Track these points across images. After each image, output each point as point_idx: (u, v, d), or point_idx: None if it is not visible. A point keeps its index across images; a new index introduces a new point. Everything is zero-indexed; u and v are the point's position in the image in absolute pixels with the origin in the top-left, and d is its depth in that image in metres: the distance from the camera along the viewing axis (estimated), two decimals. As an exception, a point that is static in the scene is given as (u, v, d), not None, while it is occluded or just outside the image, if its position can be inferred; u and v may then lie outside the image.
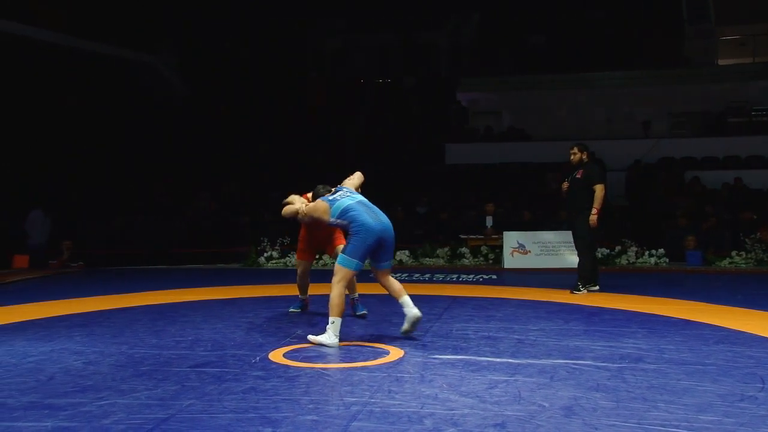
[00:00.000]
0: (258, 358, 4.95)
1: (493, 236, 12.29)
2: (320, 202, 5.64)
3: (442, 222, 13.52)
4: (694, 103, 17.36)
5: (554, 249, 11.62)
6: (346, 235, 5.57)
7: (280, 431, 3.38)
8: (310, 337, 5.37)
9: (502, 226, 12.26)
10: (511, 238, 11.78)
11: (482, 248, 12.33)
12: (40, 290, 9.21)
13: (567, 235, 11.82)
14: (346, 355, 5.05)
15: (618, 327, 6.10)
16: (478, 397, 3.94)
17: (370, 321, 6.48)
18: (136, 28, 16.95)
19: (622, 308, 7.14)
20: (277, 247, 12.28)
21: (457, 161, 16.33)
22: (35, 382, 4.38)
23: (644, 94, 17.39)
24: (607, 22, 18.51)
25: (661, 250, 11.93)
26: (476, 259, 12.26)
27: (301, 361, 4.86)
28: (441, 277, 10.35)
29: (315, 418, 3.58)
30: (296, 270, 6.92)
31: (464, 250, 12.32)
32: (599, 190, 8.05)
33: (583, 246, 8.31)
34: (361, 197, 5.64)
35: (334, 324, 5.25)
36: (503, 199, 14.15)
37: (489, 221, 12.56)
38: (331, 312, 5.26)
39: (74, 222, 13.79)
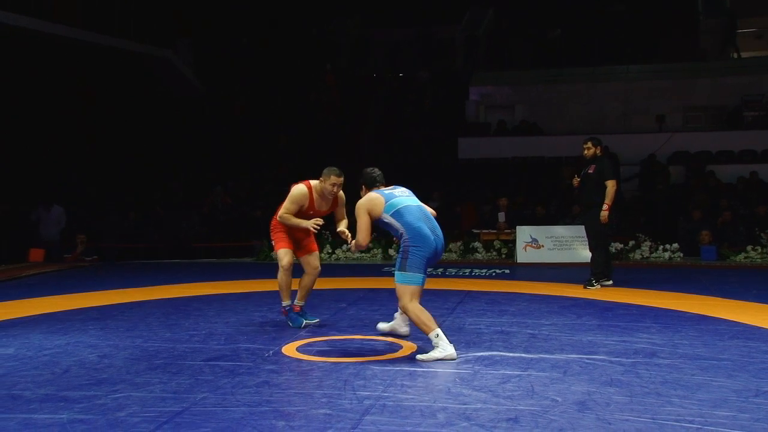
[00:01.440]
0: (271, 351, 4.97)
1: (506, 231, 12.26)
2: (375, 194, 5.00)
3: (456, 216, 13.49)
4: (709, 96, 17.20)
5: (567, 244, 11.57)
6: (397, 240, 5.00)
7: (294, 425, 3.40)
8: (421, 357, 4.71)
9: (515, 221, 12.22)
10: (524, 233, 11.74)
11: (495, 243, 12.30)
12: (55, 284, 9.28)
13: (580, 230, 11.75)
14: (359, 349, 5.06)
15: (632, 322, 6.07)
16: (490, 391, 3.94)
17: (383, 315, 6.47)
18: (152, 23, 16.99)
19: (635, 303, 7.10)
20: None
21: (470, 155, 16.28)
22: (51, 374, 4.42)
23: (659, 87, 17.24)
24: (623, 15, 18.35)
25: (675, 245, 11.85)
26: (489, 254, 12.23)
27: (314, 355, 4.88)
28: (453, 271, 10.34)
29: (328, 411, 3.59)
30: (279, 264, 5.75)
31: (477, 244, 12.29)
32: (611, 185, 8.00)
33: (595, 241, 8.26)
34: (421, 204, 5.06)
35: (438, 335, 4.69)
36: (516, 194, 14.10)
37: (501, 216, 12.52)
38: (427, 330, 4.72)
39: (89, 216, 13.87)
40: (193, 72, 18.45)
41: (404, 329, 5.44)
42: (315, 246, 5.98)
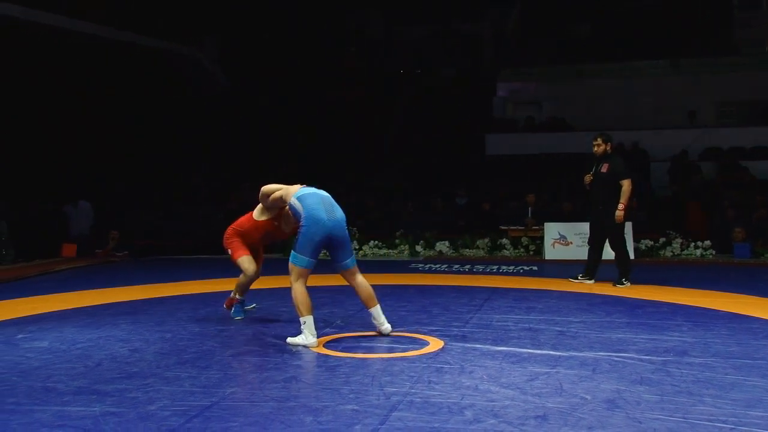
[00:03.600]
0: (299, 347, 4.99)
1: (534, 227, 12.18)
2: (294, 185, 5.47)
3: (483, 213, 13.44)
4: (742, 91, 16.89)
5: (596, 240, 11.45)
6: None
7: (321, 420, 3.41)
8: (289, 340, 5.07)
9: (542, 217, 12.13)
10: (552, 230, 11.65)
11: (523, 239, 12.23)
12: (87, 279, 9.42)
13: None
14: (386, 345, 5.05)
15: (662, 320, 5.98)
16: (518, 388, 3.92)
17: (410, 311, 6.47)
18: (178, 20, 17.12)
19: (666, 301, 7.01)
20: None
21: (498, 152, 16.20)
22: (83, 368, 4.49)
23: (691, 82, 16.97)
24: (654, 9, 18.08)
25: (707, 242, 11.67)
26: (517, 251, 12.16)
27: (341, 350, 4.89)
28: (481, 268, 10.30)
29: (355, 407, 3.59)
30: (244, 273, 6.05)
31: (505, 241, 12.23)
32: (627, 185, 7.87)
33: (617, 240, 8.12)
34: (325, 193, 5.34)
35: (306, 323, 4.96)
36: (544, 190, 13.98)
37: (529, 212, 12.44)
38: (299, 312, 4.99)
39: (120, 212, 14.05)
40: (219, 68, 18.55)
41: (383, 327, 5.30)
42: (262, 256, 6.40)
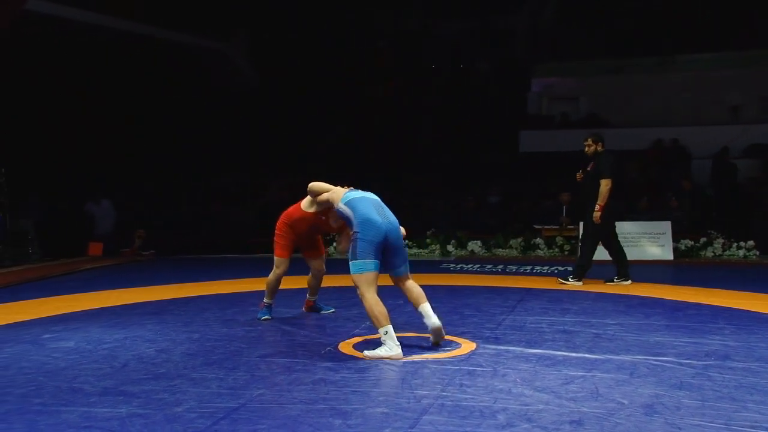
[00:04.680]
0: (327, 348, 4.94)
1: (569, 227, 11.98)
2: (341, 188, 5.32)
3: (516, 211, 13.28)
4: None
5: (633, 240, 11.23)
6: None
7: (351, 423, 3.36)
8: (367, 353, 4.72)
9: (578, 216, 11.92)
10: (587, 229, 11.44)
11: (557, 239, 12.04)
12: (114, 278, 9.51)
13: (647, 226, 11.44)
14: (416, 347, 4.98)
15: (703, 323, 5.80)
16: (553, 392, 3.83)
17: (441, 312, 6.35)
18: (208, 15, 17.22)
19: (707, 303, 6.81)
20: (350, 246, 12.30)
21: (532, 149, 16.00)
22: (110, 368, 4.50)
23: (733, 76, 16.55)
24: (695, 0, 17.66)
25: (751, 242, 11.35)
26: (551, 251, 11.97)
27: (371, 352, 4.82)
28: (514, 268, 10.16)
29: (385, 410, 3.54)
30: (275, 271, 6.04)
31: (538, 240, 12.05)
32: (604, 184, 7.86)
33: (586, 237, 8.23)
34: (374, 196, 5.19)
35: (388, 333, 4.67)
36: (580, 189, 13.74)
37: (564, 211, 12.25)
38: (377, 324, 4.70)
39: (146, 210, 14.15)
40: (249, 65, 18.63)
41: (431, 321, 5.02)
42: (322, 249, 6.31)
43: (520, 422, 3.34)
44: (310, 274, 6.32)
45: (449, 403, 3.64)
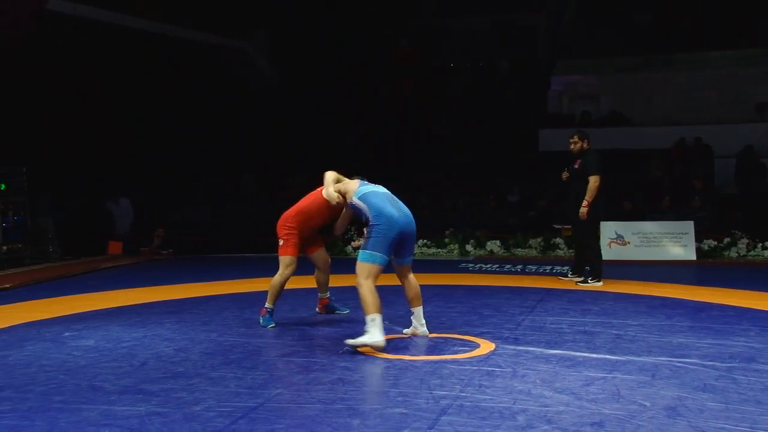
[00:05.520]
0: (346, 348, 4.92)
1: (590, 227, 11.84)
2: (353, 180, 5.39)
3: (537, 211, 13.16)
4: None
5: (656, 240, 11.10)
6: (362, 227, 5.23)
7: (369, 423, 3.35)
8: (349, 342, 4.80)
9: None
10: (608, 229, 11.32)
11: (578, 238, 11.91)
12: (133, 277, 9.56)
13: (670, 226, 11.30)
14: (435, 348, 4.95)
15: (727, 324, 5.71)
16: (573, 393, 3.79)
17: (460, 312, 6.34)
18: (228, 15, 17.27)
19: (731, 304, 6.70)
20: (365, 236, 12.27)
21: (552, 148, 15.86)
22: (129, 367, 4.52)
23: (760, 73, 16.28)
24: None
25: (776, 242, 11.17)
26: (571, 250, 11.84)
27: (389, 352, 4.80)
28: (534, 268, 10.08)
29: (403, 411, 3.53)
30: (283, 272, 5.77)
31: (558, 240, 11.95)
32: (593, 181, 7.88)
33: (579, 237, 8.21)
34: (385, 189, 5.27)
35: (374, 321, 4.74)
36: (600, 188, 13.60)
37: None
38: (367, 310, 4.78)
39: (165, 209, 14.20)
40: (268, 64, 18.66)
41: (421, 329, 5.26)
42: (321, 241, 6.20)
43: (540, 424, 3.31)
44: (317, 271, 6.19)
45: (468, 403, 3.62)
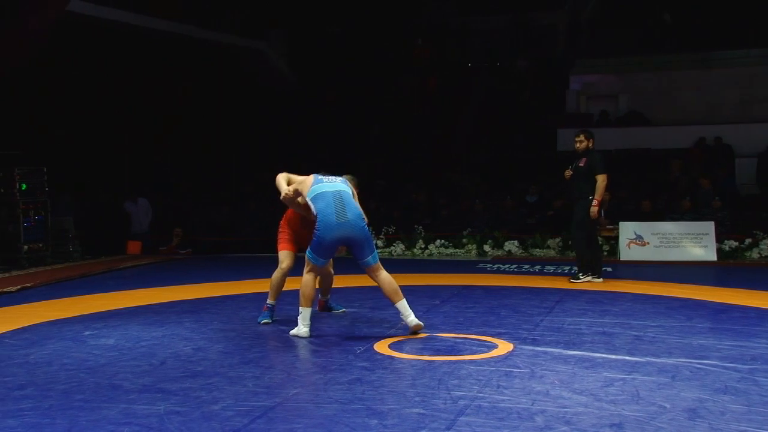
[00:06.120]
0: (363, 348, 4.92)
1: (609, 227, 11.74)
2: (309, 177, 5.45)
3: (555, 211, 13.08)
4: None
5: (675, 241, 10.98)
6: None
7: (387, 423, 3.35)
8: (291, 333, 5.33)
9: (618, 217, 11.69)
10: (627, 229, 11.23)
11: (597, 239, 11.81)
12: (152, 276, 9.61)
13: (690, 226, 11.18)
14: (452, 348, 4.94)
15: (749, 325, 5.64)
16: (592, 395, 3.76)
17: (478, 313, 6.32)
18: (246, 15, 17.31)
19: (753, 305, 6.61)
20: (381, 236, 12.27)
21: (570, 147, 15.73)
22: (148, 366, 4.55)
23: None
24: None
25: (799, 243, 11.01)
26: (606, 249, 11.72)
27: (407, 352, 4.81)
28: (552, 269, 10.01)
29: (421, 411, 3.52)
30: (279, 267, 5.89)
31: (577, 240, 11.85)
32: (601, 180, 7.91)
33: (580, 233, 8.20)
34: (344, 190, 5.30)
35: (301, 314, 5.20)
36: (620, 188, 13.48)
37: (602, 212, 11.99)
38: (300, 301, 5.22)
39: (184, 209, 14.27)
40: (286, 64, 18.70)
41: (410, 320, 5.26)
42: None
43: (559, 425, 3.29)
44: (318, 277, 6.11)
45: (486, 404, 3.61)
